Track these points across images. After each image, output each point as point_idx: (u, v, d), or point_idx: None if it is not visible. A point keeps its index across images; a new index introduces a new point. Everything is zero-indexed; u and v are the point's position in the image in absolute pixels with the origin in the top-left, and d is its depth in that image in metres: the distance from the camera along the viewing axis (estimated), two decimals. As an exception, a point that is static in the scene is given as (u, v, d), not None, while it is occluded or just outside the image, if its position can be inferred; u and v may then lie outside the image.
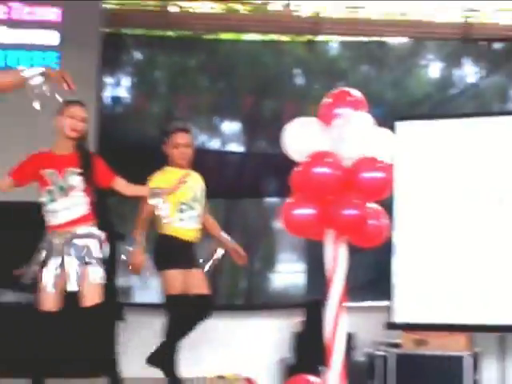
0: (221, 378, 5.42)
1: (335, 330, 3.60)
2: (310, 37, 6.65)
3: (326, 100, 3.74)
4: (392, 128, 5.69)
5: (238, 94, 6.74)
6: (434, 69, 7.03)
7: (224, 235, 5.15)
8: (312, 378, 3.70)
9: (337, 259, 3.61)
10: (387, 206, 5.53)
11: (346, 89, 3.82)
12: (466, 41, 6.65)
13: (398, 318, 5.63)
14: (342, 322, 3.59)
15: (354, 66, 6.91)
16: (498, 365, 5.76)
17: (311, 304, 5.73)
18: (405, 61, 6.94)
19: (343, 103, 3.71)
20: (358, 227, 3.56)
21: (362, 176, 3.54)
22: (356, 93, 3.76)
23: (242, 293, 6.95)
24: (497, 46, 6.91)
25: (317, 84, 6.68)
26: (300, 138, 3.63)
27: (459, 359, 5.34)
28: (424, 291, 5.61)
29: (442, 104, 6.68)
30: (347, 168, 3.54)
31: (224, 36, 7.01)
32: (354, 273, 5.83)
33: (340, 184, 3.53)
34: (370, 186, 3.57)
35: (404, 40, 7.03)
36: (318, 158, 3.55)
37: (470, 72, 6.91)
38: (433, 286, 5.60)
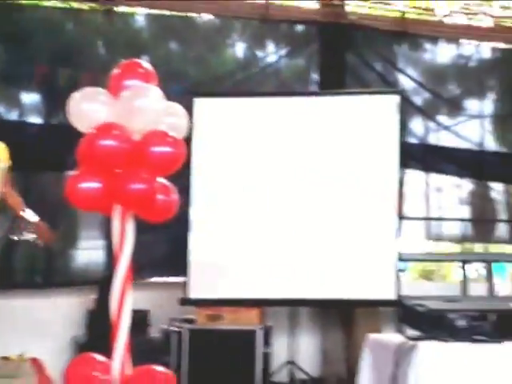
0: (5, 359, 5.16)
1: (121, 307, 3.49)
2: (110, 7, 6.44)
3: (115, 71, 3.62)
4: (191, 104, 5.70)
5: (35, 62, 6.40)
6: (238, 48, 7.07)
7: (28, 214, 4.88)
8: (97, 355, 3.59)
9: (124, 235, 3.50)
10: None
11: (137, 60, 3.71)
12: (265, 21, 6.75)
13: (194, 293, 5.66)
14: (127, 299, 3.50)
15: (157, 40, 6.79)
16: (288, 338, 5.96)
17: (102, 281, 5.61)
18: (209, 38, 6.92)
19: (133, 75, 3.58)
20: (145, 202, 3.48)
21: (151, 150, 3.45)
22: (146, 65, 3.66)
23: (40, 271, 6.66)
24: (299, 28, 7.08)
25: (118, 56, 6.49)
26: (85, 108, 3.48)
27: (251, 333, 5.46)
28: (219, 267, 5.68)
29: (243, 82, 6.74)
30: (136, 141, 3.44)
31: (22, 1, 6.62)
32: (150, 249, 5.83)
33: (128, 157, 3.42)
34: (158, 161, 3.49)
35: (209, 17, 7.00)
36: (105, 130, 3.42)
37: (271, 53, 7.02)
38: (227, 262, 5.69)
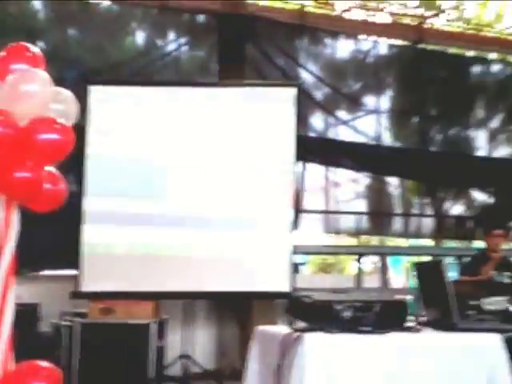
0: None
1: (4, 300, 3.36)
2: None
3: (1, 54, 3.47)
4: (86, 91, 5.56)
5: None
6: (137, 36, 6.95)
7: None
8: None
9: (8, 225, 3.36)
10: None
11: (24, 44, 3.57)
12: (165, 10, 6.65)
13: (86, 286, 5.52)
14: (10, 292, 3.37)
15: (54, 26, 6.58)
16: (183, 331, 5.91)
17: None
18: (107, 25, 6.77)
19: (19, 59, 3.45)
20: (31, 191, 3.36)
21: (38, 137, 3.33)
22: (34, 49, 3.53)
23: None
24: (199, 18, 7.02)
25: (11, 41, 6.25)
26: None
27: (145, 326, 5.37)
28: (112, 259, 5.57)
29: (142, 71, 6.62)
30: (22, 127, 3.31)
31: None
32: (41, 241, 5.64)
33: (13, 144, 3.29)
34: (46, 148, 3.37)
35: (107, 3, 6.85)
36: (-12, 115, 3.27)
37: (171, 41, 6.94)
38: (121, 254, 5.59)
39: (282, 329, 3.09)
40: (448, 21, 8.22)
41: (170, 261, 5.61)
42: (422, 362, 2.99)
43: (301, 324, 3.13)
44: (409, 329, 3.21)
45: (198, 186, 5.74)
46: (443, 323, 3.31)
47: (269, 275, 5.77)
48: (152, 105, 5.82)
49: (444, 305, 3.31)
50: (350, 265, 12.78)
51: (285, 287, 5.69)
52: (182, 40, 6.89)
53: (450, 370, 3.04)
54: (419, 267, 3.82)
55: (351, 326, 3.03)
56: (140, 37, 6.96)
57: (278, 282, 5.76)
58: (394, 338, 3.05)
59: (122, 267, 5.54)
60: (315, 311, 3.06)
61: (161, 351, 5.52)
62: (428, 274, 3.53)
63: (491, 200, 8.62)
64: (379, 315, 3.08)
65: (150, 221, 5.62)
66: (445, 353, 3.06)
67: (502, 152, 8.69)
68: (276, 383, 2.95)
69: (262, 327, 3.43)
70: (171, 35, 6.96)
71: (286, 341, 2.95)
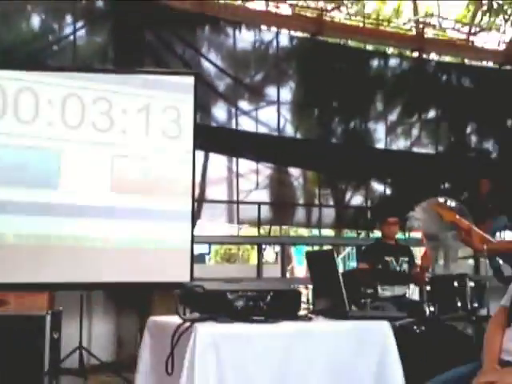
0: None
1: None
2: None
3: None
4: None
5: None
6: (33, 19, 6.74)
7: None
8: None
9: None
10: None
11: None
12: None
13: (-24, 278, 5.33)
14: None
15: None
16: (80, 322, 5.78)
17: None
18: (1, 8, 6.52)
19: None
20: None
21: None
22: None
23: None
24: (98, 3, 6.89)
25: None
26: None
27: (39, 318, 5.21)
28: (2, 250, 5.39)
29: (37, 55, 6.42)
30: None
31: None
32: None
33: None
34: None
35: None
36: None
37: (67, 26, 6.75)
38: (11, 244, 5.42)
39: (174, 319, 3.06)
40: (348, 15, 8.37)
41: (64, 251, 5.45)
42: (313, 350, 3.02)
43: (193, 314, 3.10)
44: (301, 318, 3.23)
45: (93, 174, 5.60)
46: (335, 312, 3.34)
47: (170, 266, 5.70)
48: (46, 90, 5.62)
49: (336, 293, 3.34)
50: (254, 255, 12.84)
51: (186, 278, 5.65)
52: (79, 24, 6.70)
53: (340, 357, 3.08)
54: (310, 256, 3.83)
55: (243, 315, 3.02)
56: (35, 20, 6.74)
57: (179, 272, 5.70)
58: (285, 326, 3.06)
59: (13, 258, 5.35)
60: (207, 301, 3.04)
61: (56, 344, 5.36)
62: (319, 262, 3.55)
63: (389, 191, 8.84)
64: (271, 304, 3.09)
65: (42, 210, 5.43)
66: (334, 340, 3.10)
67: (399, 145, 8.94)
68: (168, 373, 2.92)
69: (155, 318, 3.39)
70: (68, 19, 6.77)
71: (177, 331, 2.92)
